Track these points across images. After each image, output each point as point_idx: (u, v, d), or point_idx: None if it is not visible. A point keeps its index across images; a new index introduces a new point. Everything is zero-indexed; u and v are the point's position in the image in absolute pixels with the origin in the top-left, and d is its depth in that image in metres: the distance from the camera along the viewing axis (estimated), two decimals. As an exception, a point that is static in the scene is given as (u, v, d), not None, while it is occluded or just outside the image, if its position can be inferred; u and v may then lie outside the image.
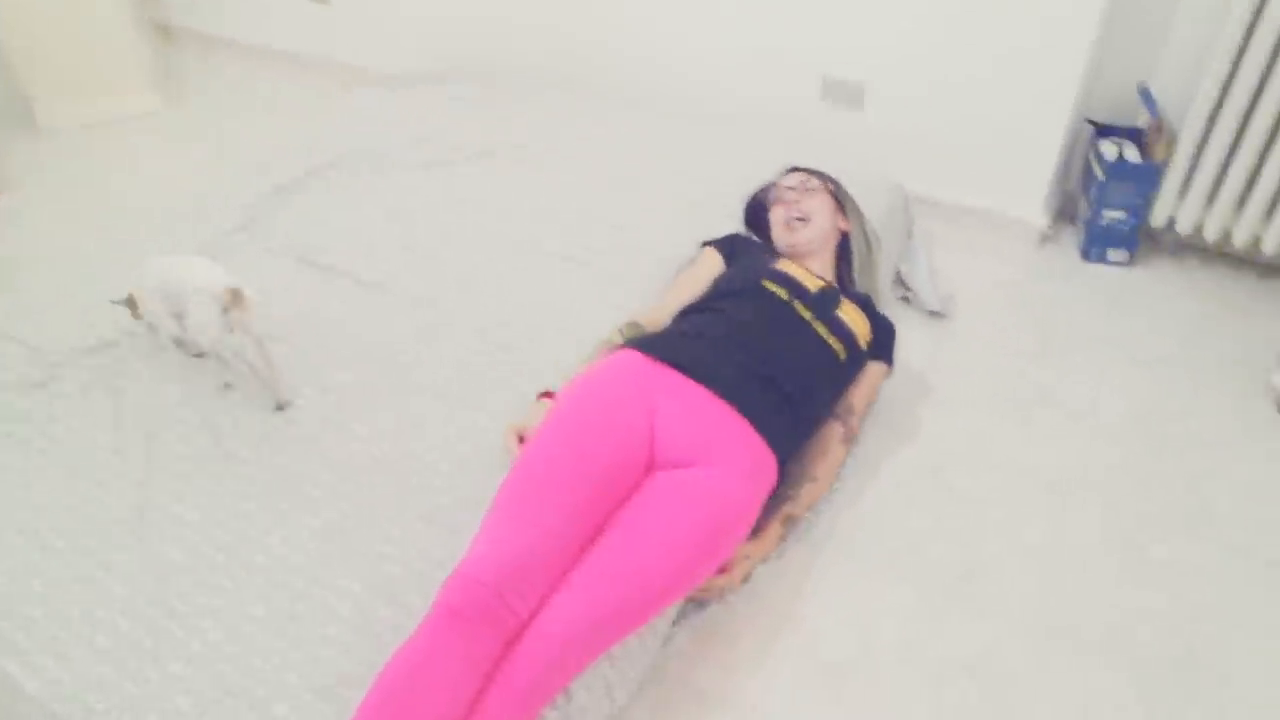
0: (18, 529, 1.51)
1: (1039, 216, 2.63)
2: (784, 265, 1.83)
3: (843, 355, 1.75)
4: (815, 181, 2.00)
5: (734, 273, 1.86)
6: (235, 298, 1.63)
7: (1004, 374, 2.19)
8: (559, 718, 1.28)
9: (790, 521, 1.68)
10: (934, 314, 2.36)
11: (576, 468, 1.42)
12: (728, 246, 2.00)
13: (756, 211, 2.11)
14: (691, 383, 1.57)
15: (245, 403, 1.75)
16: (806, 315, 1.73)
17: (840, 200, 2.01)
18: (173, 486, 1.58)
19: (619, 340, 1.75)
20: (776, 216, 1.98)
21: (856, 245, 2.01)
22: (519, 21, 3.12)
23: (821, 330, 1.72)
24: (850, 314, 1.79)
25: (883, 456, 1.96)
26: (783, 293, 1.74)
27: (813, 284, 1.79)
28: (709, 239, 2.06)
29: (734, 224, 2.19)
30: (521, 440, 1.59)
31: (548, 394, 1.67)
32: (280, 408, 1.72)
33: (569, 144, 2.53)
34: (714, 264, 1.96)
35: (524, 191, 2.34)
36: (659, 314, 1.85)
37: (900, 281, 2.42)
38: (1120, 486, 1.91)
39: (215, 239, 2.23)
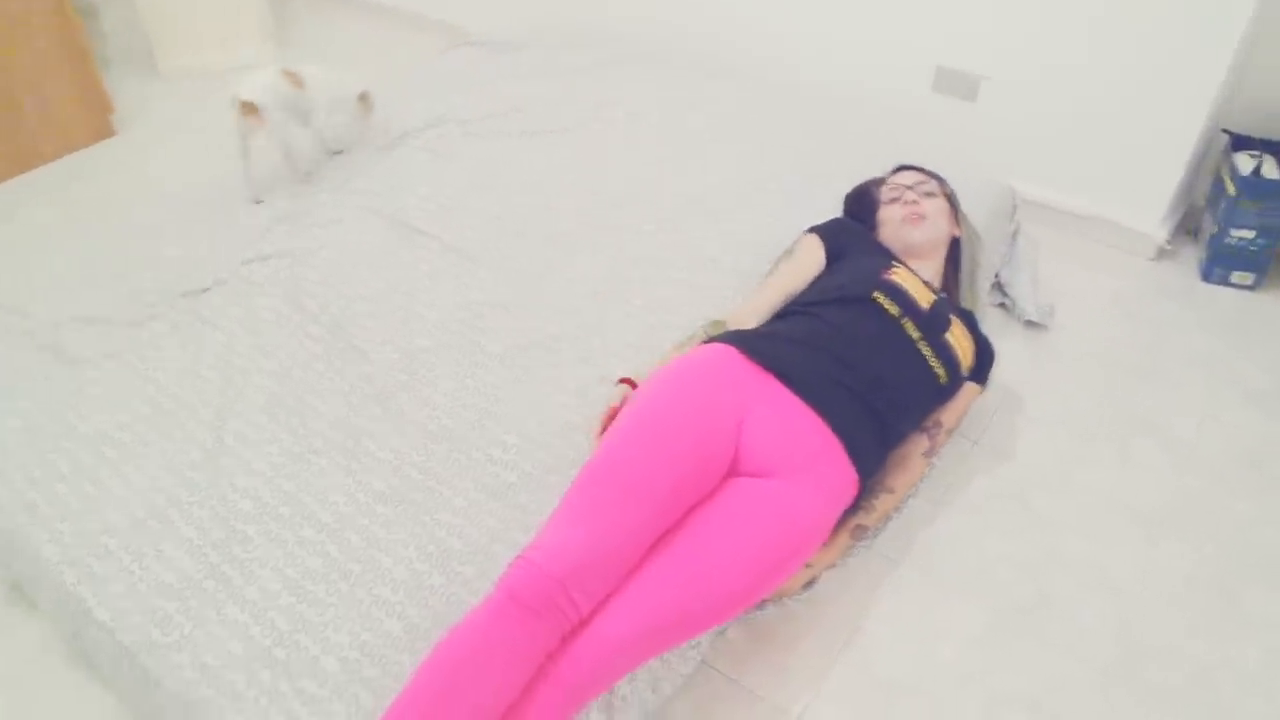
0: (103, 460, 1.57)
1: (1158, 229, 2.46)
2: (897, 275, 1.70)
3: (944, 380, 1.65)
4: (933, 184, 1.90)
5: (843, 277, 1.73)
6: (364, 99, 1.95)
7: (1103, 395, 2.07)
8: (600, 706, 1.27)
9: (859, 531, 1.63)
10: (1031, 324, 2.24)
11: (658, 466, 1.36)
12: (833, 237, 1.86)
13: (863, 204, 2.00)
14: (788, 392, 1.49)
15: (326, 355, 1.77)
16: (914, 335, 1.62)
17: (954, 205, 1.92)
18: (247, 434, 1.61)
19: (702, 338, 1.65)
20: (891, 214, 1.86)
21: (966, 253, 1.92)
22: (626, 4, 3.08)
23: (927, 352, 1.62)
24: (957, 336, 1.69)
25: (964, 472, 1.88)
26: (894, 309, 1.63)
27: (925, 299, 1.68)
28: (813, 225, 1.93)
29: (832, 212, 2.10)
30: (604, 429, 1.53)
31: (628, 380, 1.60)
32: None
33: (668, 119, 2.48)
34: (816, 255, 1.82)
35: (618, 165, 2.30)
36: (749, 313, 1.73)
37: (999, 287, 2.31)
38: (1217, 527, 1.79)
39: (311, 191, 2.27)
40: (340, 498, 1.50)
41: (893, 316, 1.62)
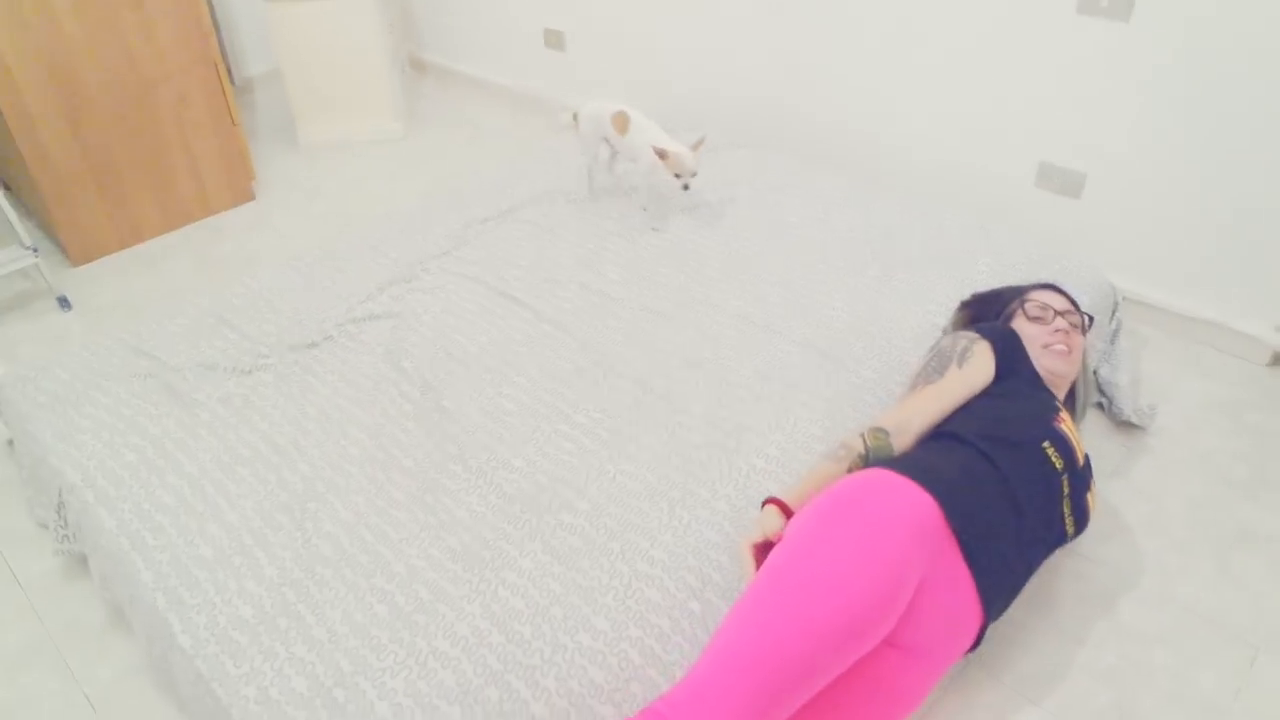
0: (203, 497, 1.69)
1: (1274, 335, 2.35)
2: (1065, 424, 1.60)
3: (1070, 535, 1.58)
4: (1078, 316, 1.81)
5: (1012, 412, 1.59)
6: (663, 155, 2.30)
7: (1204, 505, 1.96)
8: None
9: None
10: (1128, 424, 2.16)
11: (833, 646, 1.25)
12: (1005, 352, 1.69)
13: (989, 311, 1.89)
14: (965, 570, 1.40)
15: (416, 414, 1.86)
16: (1065, 491, 1.54)
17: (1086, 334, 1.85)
18: (336, 482, 1.71)
19: (860, 449, 1.54)
20: (1035, 334, 1.74)
21: (1085, 380, 1.86)
22: (740, 85, 3.19)
23: (1066, 510, 1.55)
24: (1093, 494, 1.63)
25: (1048, 573, 1.80)
26: (1059, 463, 1.53)
27: (1081, 451, 1.60)
28: (979, 327, 1.76)
29: (930, 302, 2.09)
30: (759, 555, 1.44)
31: (777, 502, 1.49)
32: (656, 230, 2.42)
33: (764, 202, 2.54)
34: (988, 369, 1.66)
35: (716, 250, 2.36)
36: (914, 426, 1.59)
37: (1097, 387, 2.24)
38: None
39: (420, 259, 2.41)
40: (414, 550, 1.56)
41: (1056, 471, 1.53)
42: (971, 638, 1.45)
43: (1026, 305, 1.82)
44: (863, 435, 1.57)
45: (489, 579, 1.50)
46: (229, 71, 3.95)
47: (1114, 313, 2.26)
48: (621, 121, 2.48)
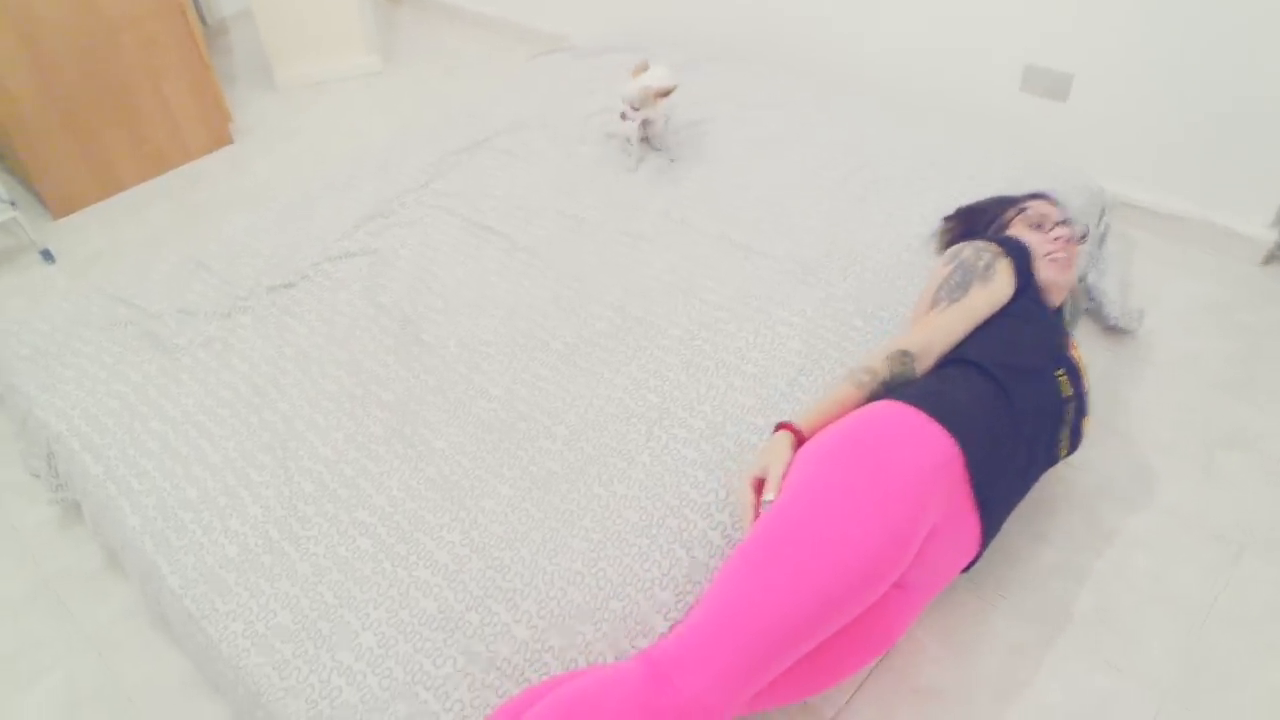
0: (186, 440, 1.70)
1: (1266, 231, 2.31)
2: (1077, 352, 1.58)
3: (1063, 456, 1.57)
4: (1072, 228, 1.75)
5: (1027, 337, 1.53)
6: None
7: (1192, 406, 1.96)
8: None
9: None
10: (1117, 329, 2.14)
11: (839, 600, 1.22)
12: (1023, 270, 1.62)
13: (980, 223, 1.84)
14: (973, 507, 1.37)
15: (395, 348, 1.86)
16: (1069, 419, 1.52)
17: None
18: (316, 421, 1.71)
19: (883, 374, 1.47)
20: (1040, 244, 1.68)
21: (1075, 289, 1.84)
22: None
23: (1064, 437, 1.53)
24: (1088, 419, 1.59)
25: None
26: (1068, 390, 1.50)
27: (1088, 380, 1.57)
28: (996, 239, 1.68)
29: (913, 215, 2.05)
30: (759, 488, 1.40)
31: (787, 426, 1.44)
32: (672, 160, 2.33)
33: (746, 119, 2.48)
34: (1008, 288, 1.58)
35: (694, 171, 2.31)
36: (935, 346, 1.52)
37: (1085, 291, 2.21)
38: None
39: (396, 194, 2.38)
40: (394, 482, 1.57)
41: (1064, 399, 1.50)
42: (966, 562, 1.46)
43: (1027, 213, 1.76)
44: (887, 358, 1.49)
45: (468, 507, 1.52)
46: (200, 13, 3.86)
47: (1101, 216, 2.22)
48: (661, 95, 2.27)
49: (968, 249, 1.65)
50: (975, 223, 1.86)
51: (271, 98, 3.57)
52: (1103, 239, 2.24)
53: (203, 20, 3.84)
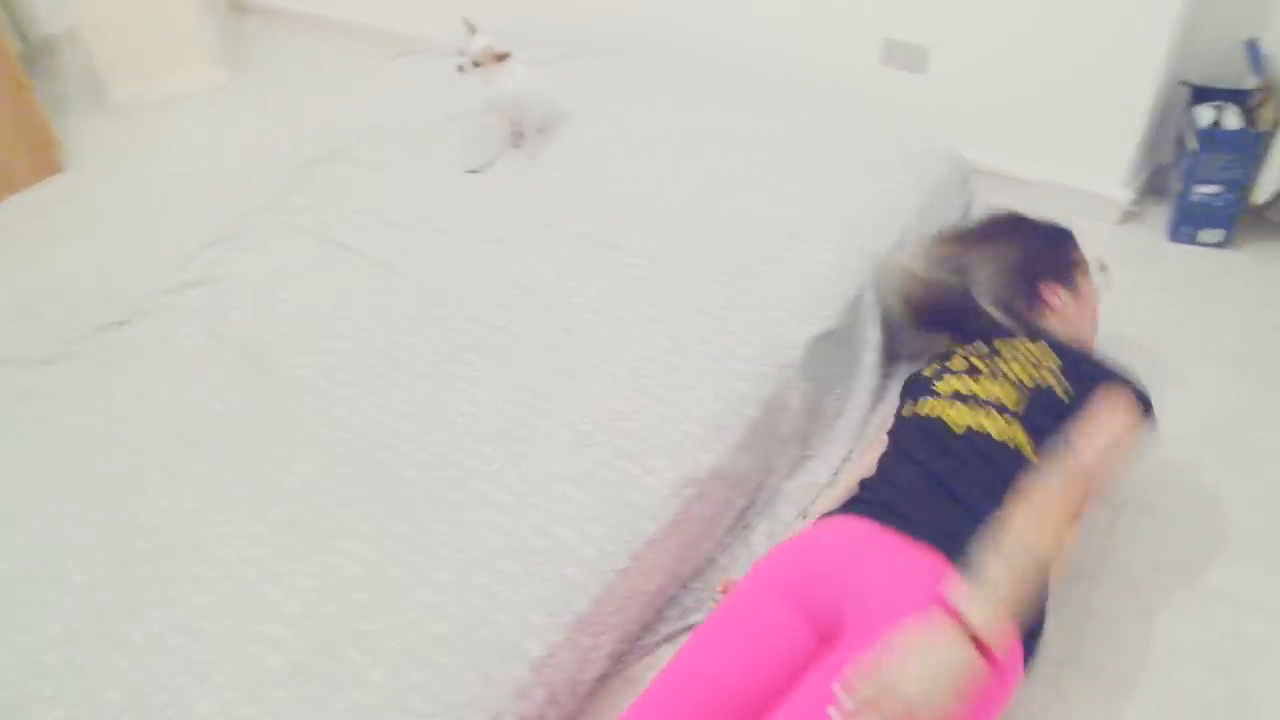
0: (2, 509, 1.53)
1: (1121, 192, 2.36)
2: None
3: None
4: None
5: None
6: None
7: (1062, 368, 1.97)
8: None
9: None
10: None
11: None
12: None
13: (1060, 263, 1.72)
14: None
15: (239, 383, 1.72)
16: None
17: None
18: (150, 471, 1.56)
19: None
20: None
21: None
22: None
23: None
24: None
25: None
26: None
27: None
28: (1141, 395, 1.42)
29: (781, 201, 1.99)
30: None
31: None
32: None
33: (606, 119, 2.39)
34: None
35: (553, 169, 2.21)
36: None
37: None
38: (1186, 500, 1.68)
39: (242, 215, 2.22)
40: (238, 531, 1.44)
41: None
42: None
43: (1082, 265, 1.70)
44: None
45: (322, 549, 1.40)
46: (21, 31, 3.57)
47: (965, 184, 2.22)
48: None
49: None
50: (1043, 250, 1.72)
51: (107, 120, 3.33)
52: (968, 209, 2.25)
53: (23, 38, 3.55)
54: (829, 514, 1.41)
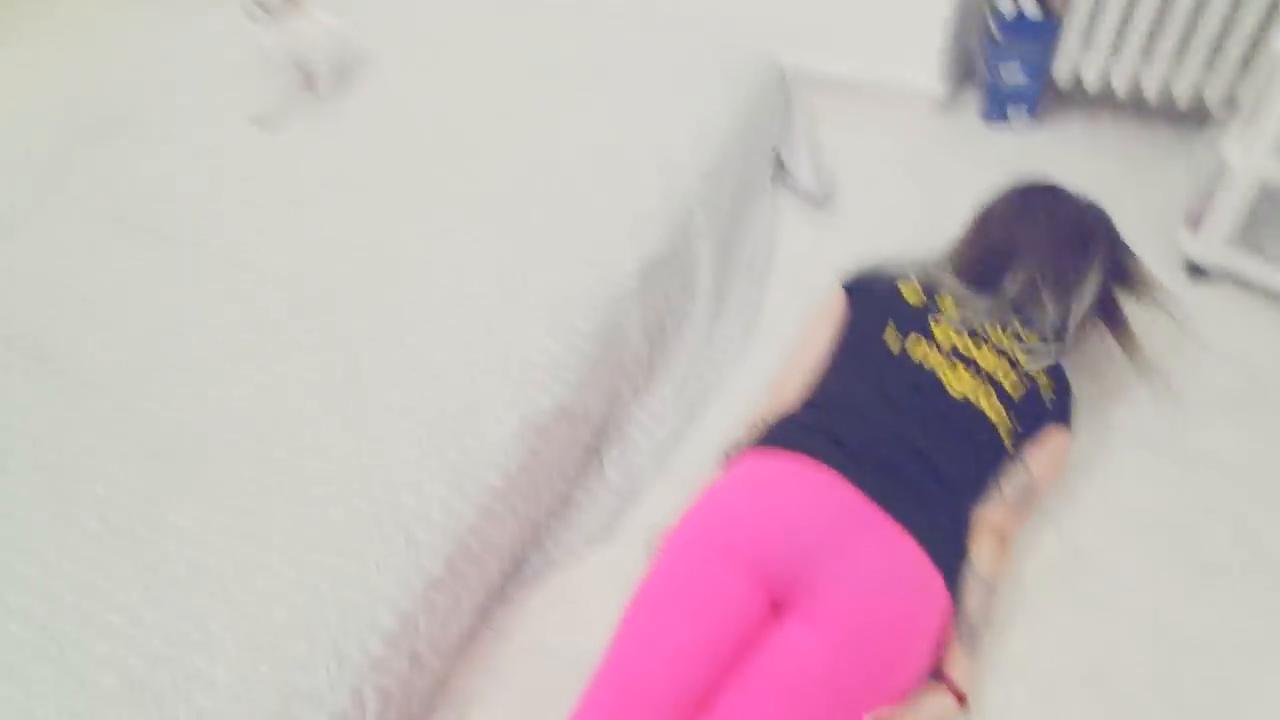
0: None
1: (935, 83, 2.40)
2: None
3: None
4: None
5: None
6: None
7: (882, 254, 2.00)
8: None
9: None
10: (813, 200, 2.16)
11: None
12: None
13: (1126, 272, 1.58)
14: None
15: (27, 386, 1.56)
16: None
17: None
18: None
19: None
20: None
21: None
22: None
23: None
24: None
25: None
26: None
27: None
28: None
29: (603, 119, 1.93)
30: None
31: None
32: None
33: (409, 58, 2.23)
34: None
35: (355, 116, 2.08)
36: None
37: (780, 164, 2.21)
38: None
39: (10, 201, 2.00)
40: (48, 548, 1.32)
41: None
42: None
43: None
44: None
45: (144, 554, 1.30)
46: None
47: (781, 86, 2.20)
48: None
49: None
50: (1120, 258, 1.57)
51: None
52: (788, 112, 2.24)
53: None
54: (772, 445, 1.30)
